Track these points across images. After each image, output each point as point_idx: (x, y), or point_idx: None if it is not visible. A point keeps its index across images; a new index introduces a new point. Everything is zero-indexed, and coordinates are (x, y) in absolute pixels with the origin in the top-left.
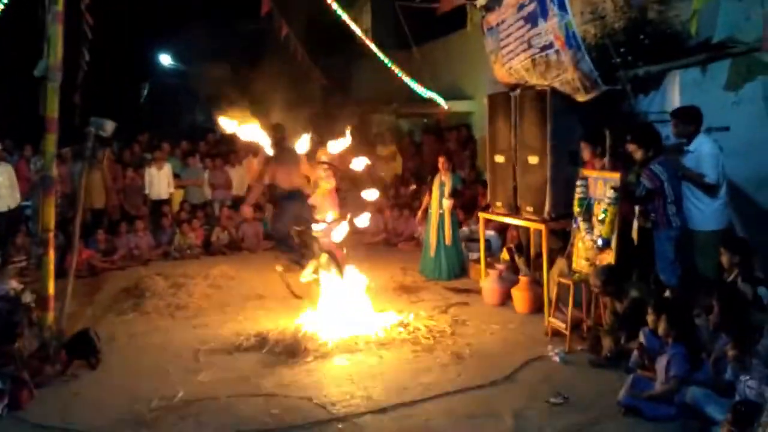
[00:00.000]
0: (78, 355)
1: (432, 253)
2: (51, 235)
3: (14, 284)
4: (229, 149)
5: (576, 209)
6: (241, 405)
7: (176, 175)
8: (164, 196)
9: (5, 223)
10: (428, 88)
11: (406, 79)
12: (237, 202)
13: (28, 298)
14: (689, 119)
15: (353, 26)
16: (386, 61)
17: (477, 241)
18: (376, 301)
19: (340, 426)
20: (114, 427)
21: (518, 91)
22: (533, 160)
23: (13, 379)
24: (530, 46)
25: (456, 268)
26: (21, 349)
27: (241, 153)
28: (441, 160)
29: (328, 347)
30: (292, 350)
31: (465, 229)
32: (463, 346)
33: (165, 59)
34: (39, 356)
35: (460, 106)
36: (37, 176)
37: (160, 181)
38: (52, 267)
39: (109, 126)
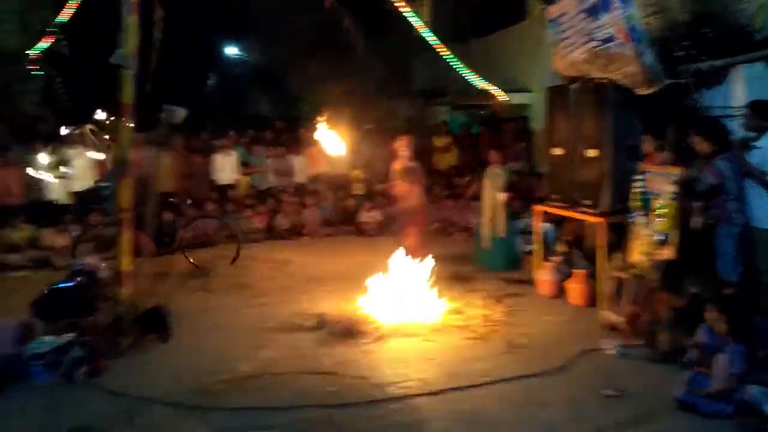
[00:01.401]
0: (150, 329)
1: (486, 244)
2: (127, 214)
3: (92, 260)
4: (292, 138)
5: (634, 203)
6: (302, 381)
7: (243, 163)
8: (230, 181)
9: (81, 201)
10: (486, 80)
11: (464, 71)
12: (299, 190)
13: (105, 273)
14: (766, 113)
15: (413, 19)
16: (445, 52)
17: (532, 233)
18: (431, 287)
19: (394, 406)
20: (183, 397)
21: (577, 83)
22: (592, 153)
23: (91, 349)
24: (591, 39)
25: (510, 259)
26: (98, 322)
27: (304, 142)
28: (492, 153)
29: (384, 330)
30: (350, 331)
31: (520, 221)
32: (517, 336)
33: (231, 50)
34: (114, 329)
35: (517, 98)
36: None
37: (226, 167)
38: (127, 244)
39: (181, 113)
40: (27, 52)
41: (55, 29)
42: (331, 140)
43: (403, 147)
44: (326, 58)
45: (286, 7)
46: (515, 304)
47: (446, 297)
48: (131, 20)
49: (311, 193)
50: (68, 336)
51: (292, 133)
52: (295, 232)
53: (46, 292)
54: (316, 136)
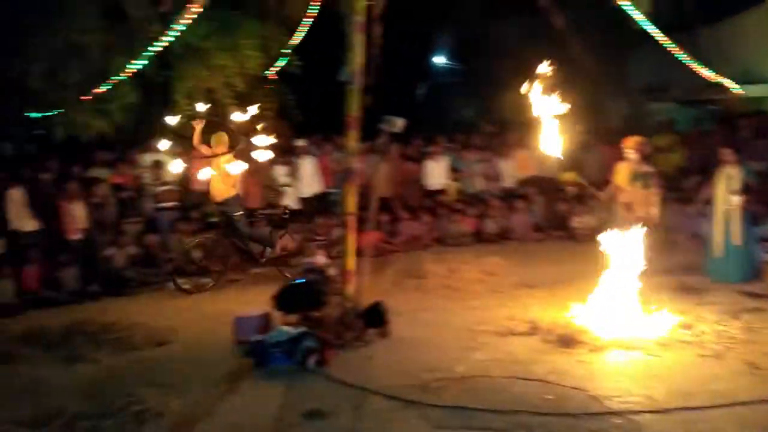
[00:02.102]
0: (372, 324)
1: (718, 252)
2: (352, 218)
3: (321, 259)
4: (501, 142)
5: None
6: (516, 387)
7: (452, 168)
8: (440, 186)
9: (309, 206)
10: (716, 72)
11: (691, 64)
12: (508, 194)
13: (332, 271)
14: None
15: (630, 8)
16: (668, 44)
17: None
18: (655, 299)
19: (617, 420)
20: (402, 391)
21: None
22: None
23: (320, 340)
24: None
25: (748, 270)
26: (326, 315)
27: (513, 146)
28: (725, 151)
29: (603, 341)
30: (565, 340)
31: (760, 227)
32: (760, 356)
33: (439, 59)
34: (340, 323)
35: (755, 90)
36: (337, 167)
37: (436, 172)
38: (352, 245)
39: (400, 123)
40: (265, 72)
41: (289, 51)
42: (542, 142)
43: (632, 148)
44: (535, 57)
45: (494, 10)
46: (756, 321)
47: (673, 310)
48: (358, 39)
49: (520, 197)
50: (302, 327)
51: (501, 138)
52: (504, 237)
53: (283, 287)
54: (526, 138)
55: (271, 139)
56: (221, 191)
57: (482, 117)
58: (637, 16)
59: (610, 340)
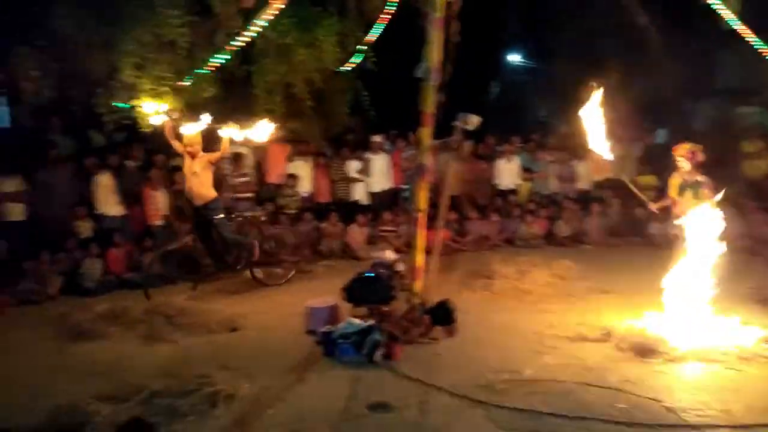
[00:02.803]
0: (439, 322)
1: None
2: (422, 215)
3: (390, 254)
4: (577, 143)
5: None
6: (586, 393)
7: (525, 168)
8: (511, 186)
9: (379, 202)
10: None
11: None
12: (582, 196)
13: (400, 267)
14: None
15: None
16: (759, 44)
17: None
18: (735, 312)
19: None
20: (468, 390)
21: None
22: None
23: (388, 334)
24: None
25: None
26: (394, 310)
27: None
28: None
29: (680, 351)
30: (641, 348)
31: None
32: None
33: (514, 57)
34: (407, 318)
35: None
36: (408, 165)
37: (508, 172)
38: (422, 242)
39: (475, 120)
40: (340, 69)
41: (365, 47)
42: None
43: (682, 155)
44: (614, 59)
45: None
46: None
47: (756, 323)
48: (435, 35)
49: (596, 200)
50: (370, 320)
51: (577, 138)
52: (577, 240)
53: (353, 279)
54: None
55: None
56: (200, 194)
57: (558, 117)
58: (727, 15)
59: (687, 350)
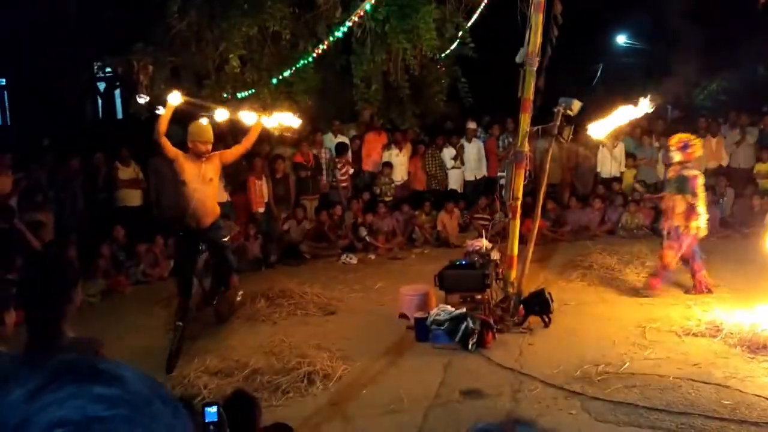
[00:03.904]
0: (534, 311)
1: None
2: (518, 203)
3: (484, 242)
4: (687, 128)
5: None
6: (689, 389)
7: (630, 154)
8: (615, 174)
9: (473, 189)
10: None
11: None
12: None
13: (495, 255)
14: None
15: None
16: None
17: None
18: None
19: None
20: (563, 381)
21: None
22: None
23: (482, 322)
24: None
25: None
26: (489, 298)
27: (701, 132)
28: None
29: None
30: (750, 344)
31: None
32: None
33: (621, 39)
34: (502, 307)
35: None
36: (505, 152)
37: (610, 159)
38: (517, 231)
39: (576, 105)
40: (440, 56)
41: (464, 33)
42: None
43: (674, 146)
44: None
45: None
46: None
47: None
48: (535, 19)
49: (707, 189)
50: (463, 308)
51: (688, 124)
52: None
53: (447, 267)
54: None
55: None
56: (212, 211)
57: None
58: None
59: None
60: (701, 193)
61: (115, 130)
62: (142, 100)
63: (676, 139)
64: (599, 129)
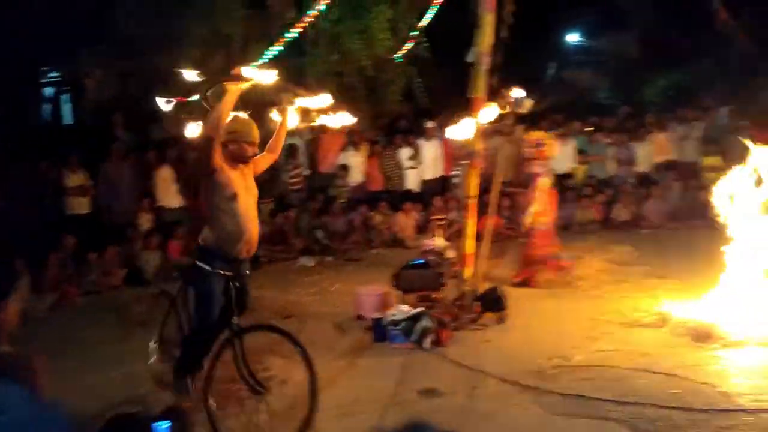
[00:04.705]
0: (489, 309)
1: None
2: (473, 201)
3: (440, 241)
4: (637, 124)
5: None
6: (639, 378)
7: (581, 151)
8: (567, 170)
9: (430, 189)
10: None
11: None
12: (643, 180)
13: (451, 254)
14: None
15: None
16: None
17: None
18: None
19: (747, 419)
20: (519, 376)
21: None
22: None
23: (437, 321)
24: None
25: None
26: (444, 297)
27: (649, 129)
28: None
29: (737, 337)
30: (697, 333)
31: None
32: None
33: (572, 37)
34: (457, 305)
35: None
36: (460, 150)
37: (563, 156)
38: (472, 229)
39: (527, 103)
40: (394, 56)
41: (417, 33)
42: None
43: (529, 144)
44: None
45: None
46: None
47: None
48: (487, 18)
49: (655, 183)
50: (419, 307)
51: (637, 120)
52: (635, 225)
53: (403, 267)
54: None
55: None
56: (254, 236)
57: (618, 98)
58: None
59: (745, 336)
60: (539, 193)
61: (62, 136)
62: (169, 105)
63: (534, 136)
64: (459, 130)
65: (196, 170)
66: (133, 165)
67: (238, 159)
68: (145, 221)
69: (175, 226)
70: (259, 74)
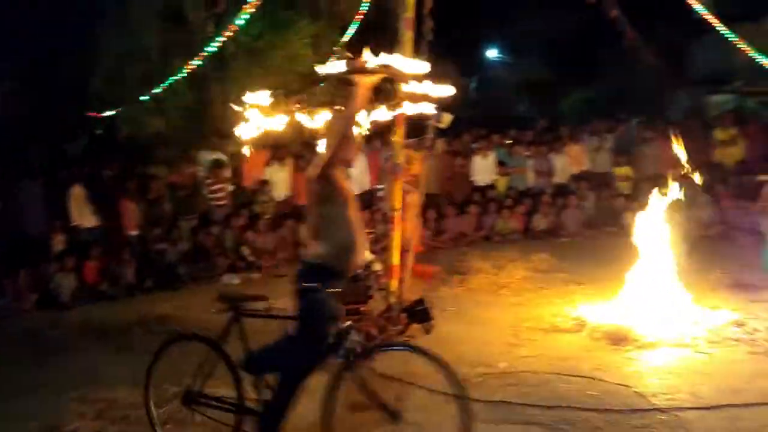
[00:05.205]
0: (416, 320)
1: None
2: (397, 213)
3: (367, 254)
4: (554, 137)
5: None
6: (560, 383)
7: (502, 163)
8: (488, 182)
9: (359, 203)
10: None
11: (755, 54)
12: (560, 190)
13: (377, 266)
14: None
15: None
16: (729, 34)
17: None
18: (706, 297)
19: (661, 417)
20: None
21: None
22: None
23: (365, 334)
24: None
25: None
26: (371, 310)
27: (565, 141)
28: None
29: (651, 338)
30: (613, 336)
31: None
32: None
33: (491, 53)
34: (384, 317)
35: None
36: (387, 165)
37: (484, 168)
38: (398, 241)
39: (447, 118)
40: (316, 71)
41: (340, 48)
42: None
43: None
44: (590, 52)
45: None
46: None
47: (725, 307)
48: (407, 35)
49: (572, 193)
50: (347, 322)
51: (554, 132)
52: (554, 234)
53: None
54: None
55: None
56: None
57: (535, 112)
58: (698, 5)
59: (658, 337)
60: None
61: None
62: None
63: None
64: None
65: (317, 176)
66: (43, 184)
67: (345, 162)
68: (58, 242)
69: (91, 246)
70: (399, 64)
